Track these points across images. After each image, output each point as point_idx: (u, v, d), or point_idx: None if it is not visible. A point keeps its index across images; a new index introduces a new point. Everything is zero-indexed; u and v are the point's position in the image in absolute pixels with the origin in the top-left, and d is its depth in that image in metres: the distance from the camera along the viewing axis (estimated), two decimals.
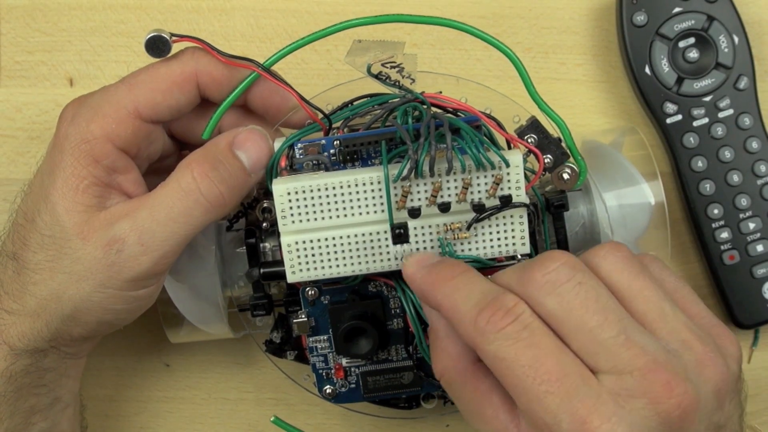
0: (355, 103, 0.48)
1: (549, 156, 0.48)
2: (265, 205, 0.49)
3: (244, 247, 0.49)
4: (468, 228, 0.45)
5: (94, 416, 0.55)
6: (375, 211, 0.44)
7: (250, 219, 0.51)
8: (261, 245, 0.49)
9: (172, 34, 0.46)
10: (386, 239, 0.45)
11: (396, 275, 0.47)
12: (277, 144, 0.47)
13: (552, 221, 0.50)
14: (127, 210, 0.44)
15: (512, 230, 0.45)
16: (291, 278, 0.45)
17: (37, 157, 0.52)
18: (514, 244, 0.45)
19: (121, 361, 0.58)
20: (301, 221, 0.45)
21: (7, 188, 0.52)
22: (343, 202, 0.44)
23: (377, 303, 0.48)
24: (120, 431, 0.58)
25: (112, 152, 0.45)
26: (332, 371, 0.50)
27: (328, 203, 0.44)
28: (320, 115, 0.48)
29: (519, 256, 0.47)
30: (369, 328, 0.47)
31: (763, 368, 0.59)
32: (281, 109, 0.49)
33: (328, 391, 0.50)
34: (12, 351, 0.45)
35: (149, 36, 0.45)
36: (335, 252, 0.45)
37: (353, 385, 0.50)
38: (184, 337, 0.52)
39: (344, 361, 0.49)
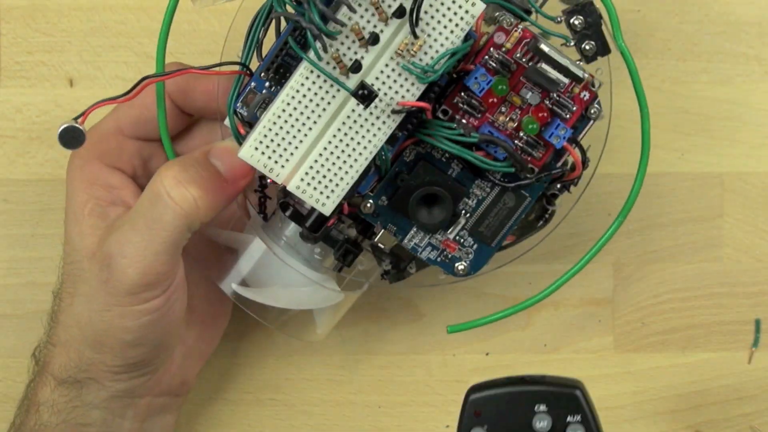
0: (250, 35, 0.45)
1: None
2: None
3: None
4: (415, 36, 0.41)
5: None
6: (333, 95, 0.42)
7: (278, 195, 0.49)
8: (300, 209, 0.48)
9: (76, 119, 0.44)
10: (363, 109, 0.42)
11: (410, 127, 0.44)
12: (227, 122, 0.45)
13: None
14: (118, 223, 0.45)
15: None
16: (326, 210, 0.43)
17: (37, 158, 0.55)
18: (467, 11, 0.41)
19: None
20: (287, 159, 0.42)
21: (7, 188, 0.52)
22: (302, 113, 0.42)
23: (424, 165, 0.45)
24: None
25: (103, 170, 0.47)
26: (446, 251, 0.47)
27: (293, 125, 0.42)
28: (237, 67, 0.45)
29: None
30: (436, 190, 0.45)
31: (763, 368, 0.57)
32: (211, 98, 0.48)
33: (460, 268, 0.47)
34: (56, 382, 0.46)
35: (61, 128, 0.43)
36: (337, 157, 0.43)
37: (475, 246, 0.47)
38: (323, 325, 0.51)
39: (450, 234, 0.47)
